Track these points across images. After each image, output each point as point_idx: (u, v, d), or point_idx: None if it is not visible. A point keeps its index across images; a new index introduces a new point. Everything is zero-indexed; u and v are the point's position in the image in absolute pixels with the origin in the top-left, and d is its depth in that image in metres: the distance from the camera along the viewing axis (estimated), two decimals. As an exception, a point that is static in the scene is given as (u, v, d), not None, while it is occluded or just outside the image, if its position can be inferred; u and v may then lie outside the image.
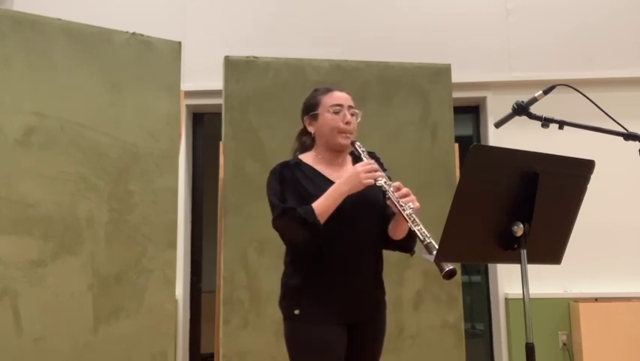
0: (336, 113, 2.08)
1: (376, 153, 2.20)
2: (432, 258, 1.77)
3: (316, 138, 2.14)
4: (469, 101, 4.44)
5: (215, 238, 3.41)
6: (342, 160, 2.16)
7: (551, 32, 4.32)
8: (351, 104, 2.13)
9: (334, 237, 1.97)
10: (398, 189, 1.97)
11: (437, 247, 1.78)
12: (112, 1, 4.34)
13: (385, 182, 1.97)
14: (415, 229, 1.88)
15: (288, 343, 2.02)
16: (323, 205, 1.94)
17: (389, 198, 1.95)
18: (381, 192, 2.00)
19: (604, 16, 4.32)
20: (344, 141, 2.09)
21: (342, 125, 2.08)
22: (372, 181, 1.95)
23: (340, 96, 2.12)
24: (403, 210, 1.91)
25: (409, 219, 1.89)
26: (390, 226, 2.09)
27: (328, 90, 2.15)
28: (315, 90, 2.20)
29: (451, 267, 1.79)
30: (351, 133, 2.10)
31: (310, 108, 2.14)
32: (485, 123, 4.37)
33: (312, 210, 1.93)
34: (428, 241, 1.85)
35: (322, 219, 1.93)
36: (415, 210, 1.92)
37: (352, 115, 2.11)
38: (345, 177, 1.98)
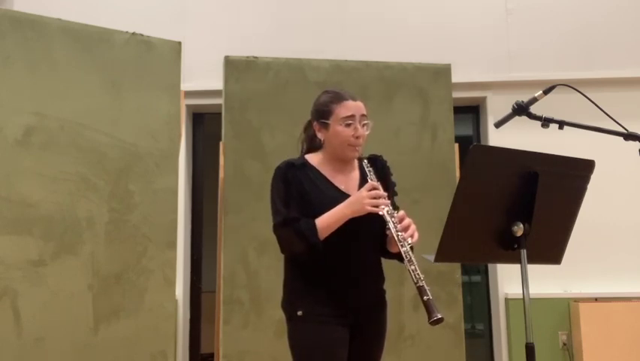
0: (348, 125, 2.04)
1: (376, 153, 2.20)
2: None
3: (324, 145, 2.12)
4: (469, 101, 4.44)
5: (215, 238, 3.41)
6: (350, 166, 2.14)
7: (551, 32, 4.32)
8: (364, 112, 2.08)
9: (336, 238, 1.96)
10: (401, 220, 1.96)
11: (429, 293, 1.80)
12: (112, 1, 4.34)
13: (388, 211, 1.95)
14: (410, 269, 1.87)
15: (292, 344, 2.03)
16: (325, 223, 1.95)
17: (389, 229, 1.94)
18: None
19: (604, 17, 4.32)
20: (352, 154, 2.07)
21: (352, 139, 2.04)
22: (375, 209, 1.93)
23: (353, 106, 2.06)
24: (402, 245, 1.90)
25: (406, 257, 1.88)
26: (388, 241, 2.07)
27: (341, 98, 2.08)
28: (327, 92, 2.14)
29: (439, 316, 1.78)
30: (360, 146, 2.07)
31: (321, 115, 2.09)
32: (485, 123, 4.37)
33: (314, 228, 1.93)
34: (421, 283, 1.84)
35: (322, 236, 1.94)
36: (415, 243, 1.92)
37: (364, 125, 2.07)
38: (349, 201, 1.97)
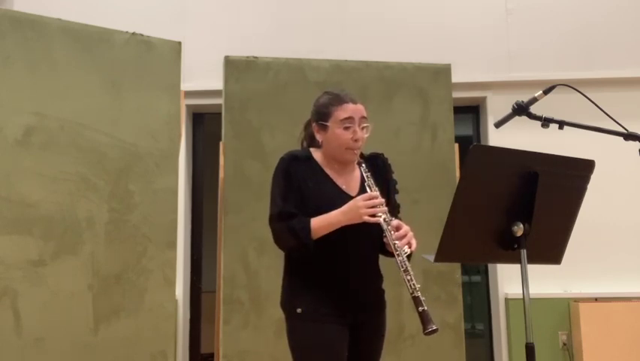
0: (346, 128, 2.03)
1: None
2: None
3: (323, 146, 2.11)
4: (469, 101, 4.44)
5: (215, 238, 3.41)
6: (351, 166, 2.13)
7: (551, 32, 4.32)
8: (364, 114, 2.07)
9: (335, 237, 1.97)
10: (397, 228, 1.96)
11: (424, 303, 1.83)
12: (112, 1, 4.34)
13: (385, 219, 1.95)
14: (405, 278, 1.88)
15: (291, 342, 2.03)
16: (319, 225, 1.95)
17: (385, 236, 1.94)
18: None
19: (604, 17, 4.32)
20: (351, 157, 2.06)
21: (351, 142, 2.03)
22: (372, 219, 1.93)
23: (352, 109, 2.05)
24: (398, 254, 1.91)
25: (401, 267, 1.90)
26: (386, 241, 2.07)
27: (341, 101, 2.06)
28: (327, 93, 2.13)
29: (435, 327, 1.81)
30: (359, 149, 2.06)
31: (320, 117, 2.08)
32: (485, 123, 4.37)
33: (308, 228, 1.94)
34: (417, 294, 1.85)
35: (315, 237, 1.95)
36: (412, 252, 1.93)
37: (363, 128, 2.06)
38: (346, 208, 1.96)
